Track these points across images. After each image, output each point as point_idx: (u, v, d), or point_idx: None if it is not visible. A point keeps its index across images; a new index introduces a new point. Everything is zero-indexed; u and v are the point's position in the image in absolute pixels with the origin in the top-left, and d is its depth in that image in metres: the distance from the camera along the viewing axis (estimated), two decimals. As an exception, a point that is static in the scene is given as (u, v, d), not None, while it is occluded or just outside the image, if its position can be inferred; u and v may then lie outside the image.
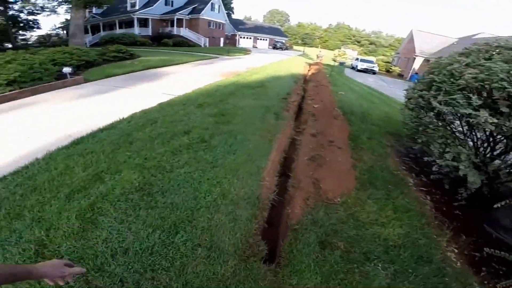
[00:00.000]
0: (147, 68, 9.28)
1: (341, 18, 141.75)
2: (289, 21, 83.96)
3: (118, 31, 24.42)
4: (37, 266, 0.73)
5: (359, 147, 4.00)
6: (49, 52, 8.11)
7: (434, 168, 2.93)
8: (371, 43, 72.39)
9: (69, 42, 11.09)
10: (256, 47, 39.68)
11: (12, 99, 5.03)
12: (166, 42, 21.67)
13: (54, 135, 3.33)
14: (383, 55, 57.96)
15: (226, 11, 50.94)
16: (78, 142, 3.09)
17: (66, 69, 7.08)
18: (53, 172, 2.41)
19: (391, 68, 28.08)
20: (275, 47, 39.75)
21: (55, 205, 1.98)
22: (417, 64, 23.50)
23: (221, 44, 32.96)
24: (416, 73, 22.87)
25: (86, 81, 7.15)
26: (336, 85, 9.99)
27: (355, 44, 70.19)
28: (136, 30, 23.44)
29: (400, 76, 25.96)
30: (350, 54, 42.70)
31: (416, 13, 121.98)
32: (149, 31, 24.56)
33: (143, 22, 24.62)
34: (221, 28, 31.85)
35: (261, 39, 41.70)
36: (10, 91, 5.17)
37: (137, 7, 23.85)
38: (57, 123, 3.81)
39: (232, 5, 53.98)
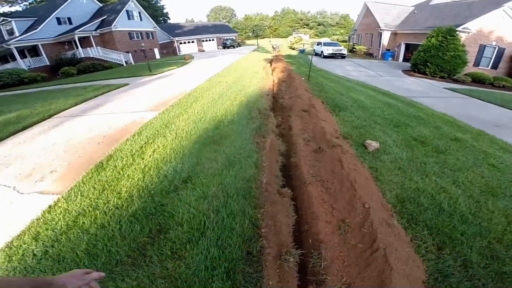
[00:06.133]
0: None
1: (285, 3, 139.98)
2: (235, 16, 78.33)
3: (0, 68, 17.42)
4: (56, 278, 0.74)
5: None
6: None
7: None
8: (319, 24, 71.06)
9: None
10: (203, 50, 34.39)
11: None
12: (67, 71, 15.45)
13: None
14: (333, 34, 56.67)
15: (160, 18, 44.07)
16: None
17: None
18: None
19: (355, 48, 25.16)
20: (225, 46, 34.84)
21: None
22: (385, 39, 20.69)
23: (157, 56, 27.12)
24: (388, 50, 20.05)
25: None
26: (333, 102, 5.76)
27: (304, 27, 68.20)
28: (23, 63, 16.65)
29: (369, 55, 23.11)
30: (304, 39, 39.74)
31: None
32: (44, 60, 17.83)
33: (33, 51, 17.75)
34: (151, 38, 25.89)
35: (207, 40, 36.35)
36: None
37: (16, 34, 16.93)
38: None
39: (165, 11, 47.20)
